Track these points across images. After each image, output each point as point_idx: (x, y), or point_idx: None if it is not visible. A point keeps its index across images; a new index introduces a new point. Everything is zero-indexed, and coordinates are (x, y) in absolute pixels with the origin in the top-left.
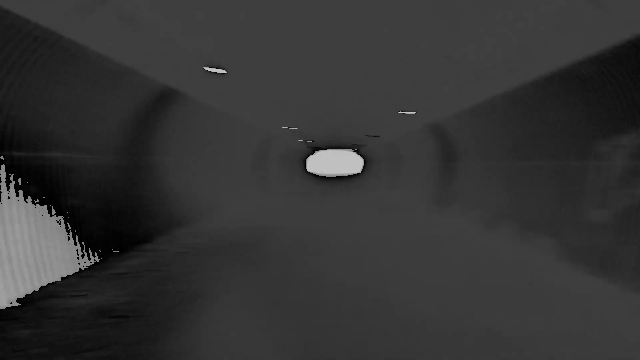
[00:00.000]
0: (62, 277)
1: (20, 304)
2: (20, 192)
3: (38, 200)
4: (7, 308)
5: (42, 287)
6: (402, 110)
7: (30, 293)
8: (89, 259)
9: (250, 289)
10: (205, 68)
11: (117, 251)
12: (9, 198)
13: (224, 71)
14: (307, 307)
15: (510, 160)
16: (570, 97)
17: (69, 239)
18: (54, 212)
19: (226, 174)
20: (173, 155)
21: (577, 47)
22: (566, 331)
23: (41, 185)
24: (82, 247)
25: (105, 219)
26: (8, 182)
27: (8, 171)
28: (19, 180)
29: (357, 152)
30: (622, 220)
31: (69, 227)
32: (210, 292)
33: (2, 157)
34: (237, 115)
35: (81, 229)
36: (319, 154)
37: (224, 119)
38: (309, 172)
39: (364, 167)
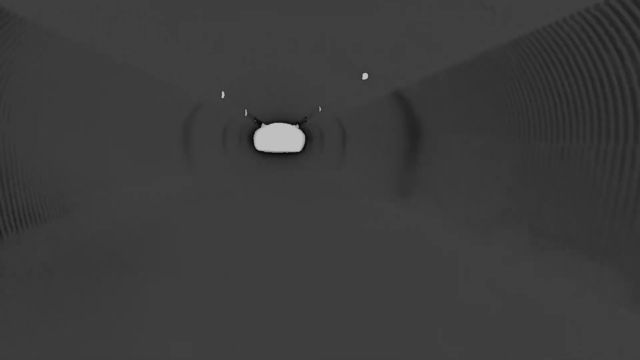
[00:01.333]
0: None
1: None
2: None
3: None
4: None
5: None
6: (352, 73)
7: None
8: None
9: None
10: None
11: None
12: None
13: None
14: None
15: (515, 141)
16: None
17: None
18: None
19: (132, 148)
20: (12, 115)
21: None
22: None
23: None
24: None
25: None
26: None
27: None
28: None
29: (301, 128)
30: None
31: None
32: None
33: None
34: (142, 67)
35: None
36: (266, 128)
37: (127, 74)
38: (255, 149)
39: (309, 144)
